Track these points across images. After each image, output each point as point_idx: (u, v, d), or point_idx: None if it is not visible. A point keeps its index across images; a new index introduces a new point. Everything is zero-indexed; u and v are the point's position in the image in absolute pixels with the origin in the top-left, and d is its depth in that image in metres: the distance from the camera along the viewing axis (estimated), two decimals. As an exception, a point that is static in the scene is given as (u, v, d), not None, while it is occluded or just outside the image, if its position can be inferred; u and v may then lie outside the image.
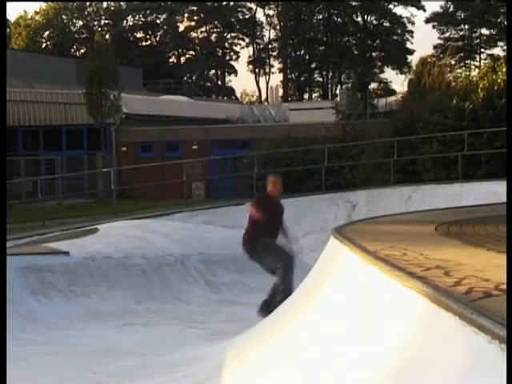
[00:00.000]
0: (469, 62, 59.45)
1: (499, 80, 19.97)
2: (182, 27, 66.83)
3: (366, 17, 61.29)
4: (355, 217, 14.54)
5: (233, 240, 11.70)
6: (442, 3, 59.25)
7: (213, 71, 68.16)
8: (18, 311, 8.21)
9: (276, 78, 62.38)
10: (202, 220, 15.78)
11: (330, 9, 60.55)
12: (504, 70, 20.42)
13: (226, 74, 68.36)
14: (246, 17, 65.39)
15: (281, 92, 57.49)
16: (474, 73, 24.46)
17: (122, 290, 9.46)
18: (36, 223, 17.92)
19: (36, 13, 66.26)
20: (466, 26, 59.59)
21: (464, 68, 51.67)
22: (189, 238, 11.34)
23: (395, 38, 61.17)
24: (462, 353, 2.56)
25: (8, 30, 57.39)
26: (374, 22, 61.57)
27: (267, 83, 64.97)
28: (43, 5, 66.50)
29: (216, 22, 64.50)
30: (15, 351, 6.56)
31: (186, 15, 65.89)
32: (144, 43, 67.21)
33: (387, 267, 3.73)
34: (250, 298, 9.83)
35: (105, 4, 66.77)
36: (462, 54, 59.22)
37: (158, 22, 66.57)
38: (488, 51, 59.85)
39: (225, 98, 63.07)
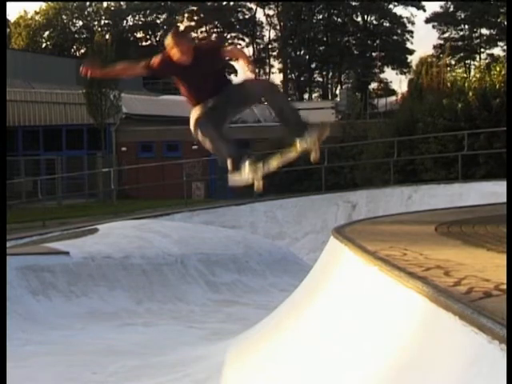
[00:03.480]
0: (469, 62, 59.47)
1: (494, 80, 19.97)
2: (181, 27, 66.84)
3: (366, 17, 61.26)
4: (355, 217, 14.53)
5: (233, 240, 11.73)
6: (442, 3, 59.33)
7: (213, 71, 68.13)
8: (17, 311, 8.20)
9: (276, 78, 62.17)
10: (202, 220, 15.79)
11: (329, 9, 60.50)
12: (498, 70, 20.43)
13: (226, 74, 68.29)
14: (246, 17, 65.38)
15: (281, 92, 57.49)
16: (472, 73, 24.46)
17: (122, 290, 9.45)
18: (36, 223, 17.96)
19: (36, 13, 66.16)
20: (466, 26, 59.59)
21: (464, 68, 51.65)
22: (189, 238, 11.33)
23: (395, 38, 61.12)
24: (462, 353, 2.56)
25: (8, 30, 57.34)
26: (374, 22, 61.52)
27: (267, 83, 64.98)
28: (43, 5, 66.49)
29: (216, 22, 64.51)
30: (15, 351, 6.56)
31: (186, 15, 65.89)
32: (144, 43, 67.18)
33: (387, 267, 3.73)
34: (249, 297, 9.83)
35: (105, 4, 66.82)
36: (462, 54, 59.25)
37: (158, 22, 66.53)
38: (488, 51, 59.96)
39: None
